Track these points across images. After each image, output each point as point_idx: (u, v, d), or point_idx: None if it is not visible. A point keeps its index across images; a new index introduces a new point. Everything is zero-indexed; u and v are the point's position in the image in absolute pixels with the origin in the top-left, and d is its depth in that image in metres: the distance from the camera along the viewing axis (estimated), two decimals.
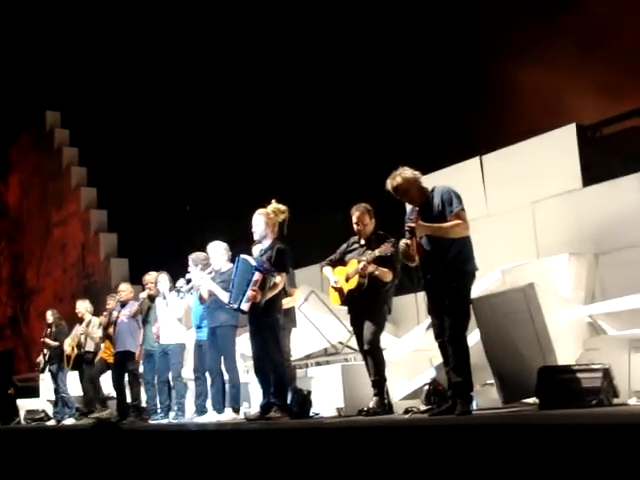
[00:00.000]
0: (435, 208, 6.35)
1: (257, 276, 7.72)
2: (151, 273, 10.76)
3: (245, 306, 7.79)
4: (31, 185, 24.02)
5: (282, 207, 8.07)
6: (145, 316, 10.66)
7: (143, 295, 10.82)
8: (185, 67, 16.11)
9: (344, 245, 7.87)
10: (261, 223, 7.97)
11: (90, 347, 12.32)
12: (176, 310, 10.08)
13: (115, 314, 11.29)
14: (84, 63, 19.00)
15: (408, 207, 6.80)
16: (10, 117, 22.18)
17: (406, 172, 6.49)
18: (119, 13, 16.53)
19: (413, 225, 6.26)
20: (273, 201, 8.08)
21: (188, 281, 9.43)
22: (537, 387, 6.13)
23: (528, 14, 10.76)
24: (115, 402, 11.60)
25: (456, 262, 6.25)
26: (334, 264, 7.81)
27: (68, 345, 12.61)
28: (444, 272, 6.23)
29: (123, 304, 11.32)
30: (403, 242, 6.40)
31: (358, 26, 12.90)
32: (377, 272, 7.36)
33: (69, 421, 12.80)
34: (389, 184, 6.50)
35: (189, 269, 9.41)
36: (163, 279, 10.33)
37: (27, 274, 24.23)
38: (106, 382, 12.18)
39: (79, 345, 12.42)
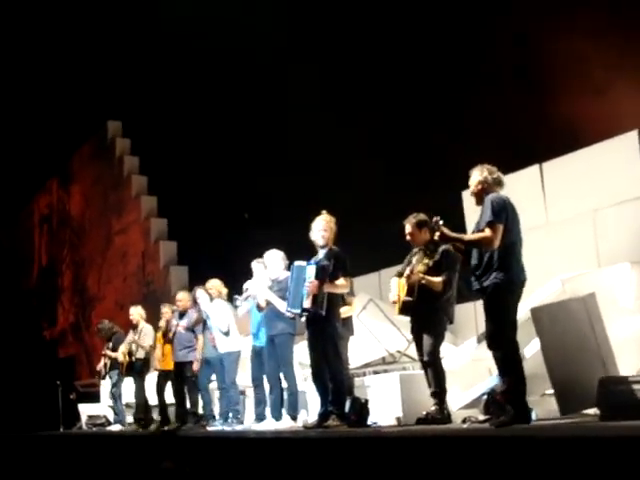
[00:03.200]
0: (481, 214, 6.35)
1: (310, 269, 7.77)
2: (213, 280, 10.82)
3: (306, 303, 7.80)
4: (93, 194, 24.39)
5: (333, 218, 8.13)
6: (204, 324, 10.72)
7: (201, 302, 10.84)
8: (245, 77, 16.21)
9: (408, 255, 7.88)
10: (328, 228, 8.01)
11: (140, 355, 12.45)
12: (220, 322, 10.17)
13: (174, 323, 11.36)
14: (145, 72, 19.23)
15: None
16: (72, 127, 22.56)
17: (478, 172, 6.52)
18: (182, 25, 16.69)
19: (438, 233, 6.27)
20: (323, 212, 8.11)
21: (245, 290, 9.49)
22: (597, 398, 6.04)
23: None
24: (174, 409, 11.71)
25: (495, 270, 6.19)
26: (401, 275, 7.76)
27: (121, 353, 12.76)
28: (483, 281, 6.20)
29: (181, 313, 11.39)
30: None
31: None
32: (424, 281, 7.37)
33: (115, 427, 13.02)
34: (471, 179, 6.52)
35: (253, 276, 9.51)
36: (201, 294, 10.44)
37: (88, 282, 24.58)
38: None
39: (130, 352, 12.55)
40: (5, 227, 28.12)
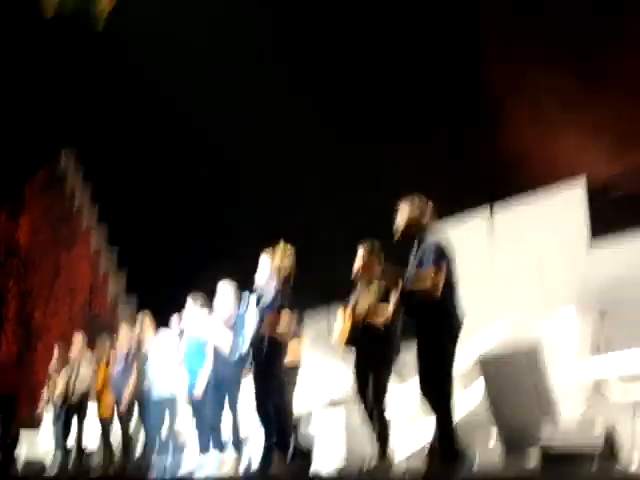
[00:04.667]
0: (419, 256, 6.31)
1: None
2: (146, 317, 10.64)
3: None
4: (42, 225, 24.09)
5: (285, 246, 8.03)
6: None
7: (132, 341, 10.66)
8: (200, 103, 16.16)
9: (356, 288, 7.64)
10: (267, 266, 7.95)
11: (74, 399, 12.03)
12: (172, 355, 10.00)
13: (113, 366, 11.13)
14: (100, 99, 19.13)
15: None
16: (24, 156, 22.29)
17: (414, 209, 6.49)
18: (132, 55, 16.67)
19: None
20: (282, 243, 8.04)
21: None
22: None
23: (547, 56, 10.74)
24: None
25: (437, 315, 6.19)
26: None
27: (58, 393, 12.42)
28: (425, 323, 6.21)
29: (121, 353, 11.10)
30: None
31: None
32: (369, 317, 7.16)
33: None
34: (398, 218, 6.48)
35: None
36: (148, 321, 10.30)
37: (35, 314, 24.21)
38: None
39: (65, 395, 12.18)
40: None
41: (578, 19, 10.53)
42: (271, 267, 7.94)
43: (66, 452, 12.37)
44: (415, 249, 6.45)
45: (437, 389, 6.09)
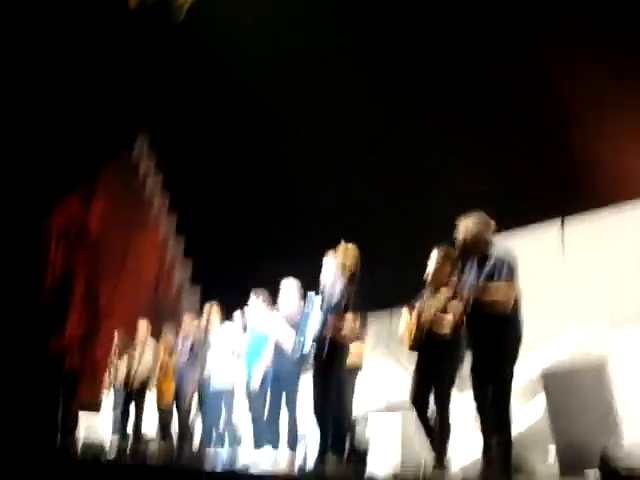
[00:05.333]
0: (488, 270, 6.24)
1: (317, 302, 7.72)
2: (214, 306, 10.63)
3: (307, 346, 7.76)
4: (113, 211, 24.44)
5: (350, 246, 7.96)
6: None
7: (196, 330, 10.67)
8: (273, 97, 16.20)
9: (424, 290, 7.57)
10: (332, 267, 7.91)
11: (135, 385, 12.17)
12: (235, 346, 9.94)
13: (179, 346, 11.19)
14: (176, 90, 19.31)
15: None
16: (97, 144, 22.61)
17: (479, 222, 6.42)
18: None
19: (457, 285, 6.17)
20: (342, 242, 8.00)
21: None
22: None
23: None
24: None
25: (500, 328, 6.17)
26: (413, 308, 7.52)
27: (120, 375, 12.57)
28: (488, 336, 6.12)
29: (185, 337, 11.18)
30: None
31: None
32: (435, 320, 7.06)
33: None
34: (461, 230, 6.42)
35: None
36: (216, 312, 10.23)
37: (100, 297, 24.56)
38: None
39: (127, 379, 12.30)
40: (22, 238, 28.15)
41: None
42: (336, 267, 7.89)
43: (124, 437, 12.48)
44: (475, 263, 6.38)
45: (498, 405, 6.03)
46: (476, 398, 6.26)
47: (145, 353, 12.15)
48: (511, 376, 6.07)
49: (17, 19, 16.29)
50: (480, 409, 6.23)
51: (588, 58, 10.57)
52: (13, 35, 17.39)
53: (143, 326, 12.48)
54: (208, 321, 10.48)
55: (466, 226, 6.45)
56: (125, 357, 12.63)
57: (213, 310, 10.42)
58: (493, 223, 6.47)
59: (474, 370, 6.30)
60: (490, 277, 6.22)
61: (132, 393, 12.24)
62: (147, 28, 17.44)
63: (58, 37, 18.14)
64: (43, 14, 16.35)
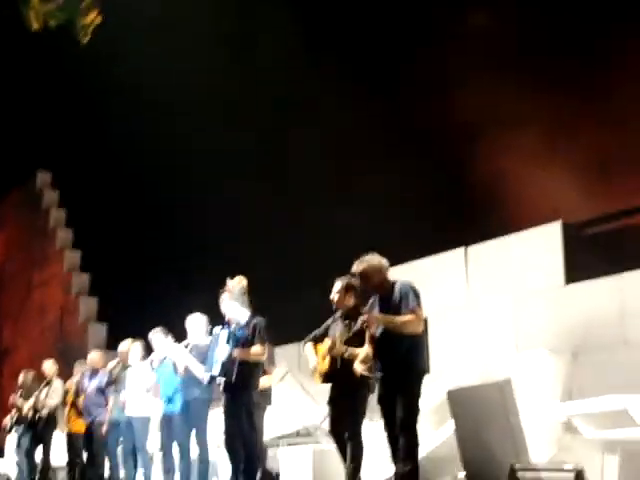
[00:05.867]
0: (394, 301, 6.36)
1: (222, 335, 7.82)
2: (125, 342, 10.62)
3: (214, 369, 7.80)
4: (15, 244, 23.95)
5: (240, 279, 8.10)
6: (115, 385, 10.47)
7: (112, 365, 10.64)
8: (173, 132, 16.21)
9: (330, 319, 7.62)
10: (228, 304, 8.00)
11: (44, 413, 11.97)
12: (146, 381, 9.90)
13: (86, 382, 11.11)
14: (75, 123, 19.11)
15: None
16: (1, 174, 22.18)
17: (374, 258, 6.52)
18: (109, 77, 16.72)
19: (367, 316, 6.27)
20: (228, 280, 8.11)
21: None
22: None
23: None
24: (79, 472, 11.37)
25: (407, 358, 6.25)
26: (318, 340, 7.57)
27: (27, 406, 12.36)
28: (395, 367, 6.23)
29: (93, 372, 11.13)
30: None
31: None
32: (346, 354, 7.13)
33: None
34: (355, 267, 6.54)
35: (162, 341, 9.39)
36: (136, 348, 10.19)
37: (4, 332, 23.97)
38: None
39: (35, 408, 12.17)
40: None
41: (555, 51, 10.76)
42: (231, 298, 8.00)
43: (32, 468, 12.30)
44: (377, 298, 6.50)
45: (411, 430, 6.14)
46: (385, 426, 6.34)
47: (54, 383, 12.04)
48: (417, 404, 6.18)
49: None
50: (390, 437, 6.31)
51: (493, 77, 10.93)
52: None
53: (49, 366, 12.35)
54: (125, 355, 10.43)
55: (358, 265, 6.56)
56: (31, 397, 12.42)
57: (134, 346, 10.35)
58: (385, 261, 6.59)
59: (382, 400, 6.38)
60: (397, 307, 6.33)
61: (38, 430, 12.04)
62: (47, 54, 17.22)
63: None
64: None
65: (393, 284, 6.49)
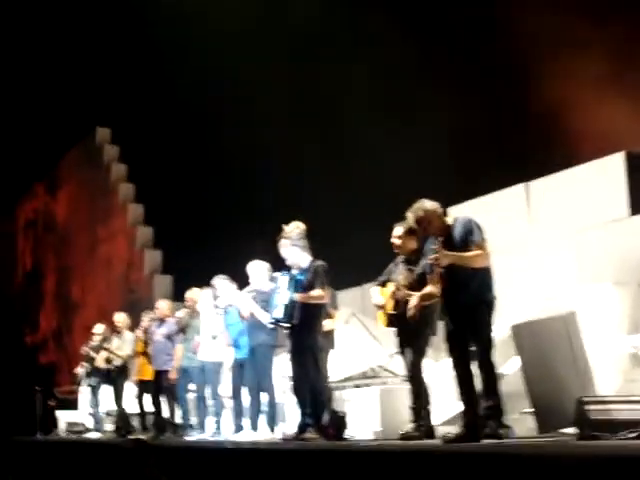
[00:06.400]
0: (456, 239, 6.32)
1: (282, 280, 7.95)
2: (192, 290, 10.76)
3: (276, 312, 7.92)
4: (79, 200, 24.32)
5: (297, 224, 8.13)
6: (183, 333, 10.66)
7: (180, 314, 10.81)
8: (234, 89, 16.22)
9: (391, 264, 7.67)
10: (289, 250, 8.03)
11: (117, 362, 12.34)
12: (213, 327, 10.03)
13: (154, 330, 11.30)
14: (135, 79, 19.22)
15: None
16: (60, 132, 22.48)
17: (426, 204, 6.48)
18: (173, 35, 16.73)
19: (437, 255, 6.23)
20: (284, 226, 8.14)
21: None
22: (575, 418, 6.02)
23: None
24: (153, 418, 11.64)
25: (478, 292, 6.23)
26: (383, 285, 7.62)
27: (101, 358, 12.68)
28: (466, 302, 6.21)
29: (161, 321, 11.35)
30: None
31: None
32: (408, 297, 7.16)
33: (93, 435, 12.95)
34: (410, 217, 6.50)
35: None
36: (206, 295, 10.29)
37: (72, 288, 24.48)
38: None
39: (108, 359, 12.47)
40: None
41: None
42: (290, 245, 8.03)
43: (106, 414, 12.76)
44: (437, 239, 6.45)
45: (490, 362, 6.14)
46: (456, 363, 6.33)
47: (124, 334, 12.30)
48: (491, 336, 6.16)
49: None
50: (460, 375, 6.30)
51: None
52: None
53: (121, 318, 12.59)
54: (191, 302, 10.58)
55: (414, 214, 6.52)
56: (103, 349, 12.72)
57: (204, 292, 10.48)
58: (437, 204, 6.54)
59: (453, 336, 6.34)
60: (462, 243, 6.29)
61: (113, 371, 12.45)
62: (102, 14, 17.34)
63: (21, 26, 17.99)
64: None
65: (452, 223, 6.45)
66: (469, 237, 6.30)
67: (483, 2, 11.98)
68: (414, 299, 6.96)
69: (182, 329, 10.70)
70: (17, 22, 18.12)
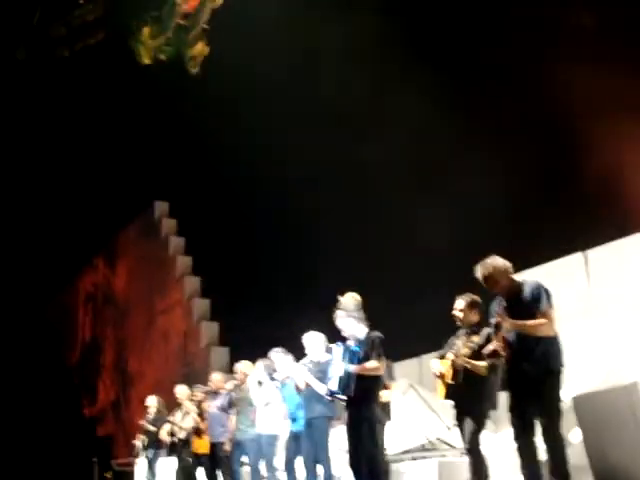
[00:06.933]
0: (524, 302, 6.24)
1: (337, 351, 7.86)
2: (242, 362, 10.76)
3: (331, 384, 7.81)
4: (137, 273, 24.63)
5: (352, 295, 8.10)
6: (235, 406, 10.62)
7: (229, 386, 10.80)
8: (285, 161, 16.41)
9: (453, 337, 7.60)
10: (345, 321, 8.01)
11: (182, 435, 12.22)
12: (267, 398, 9.99)
13: (209, 404, 11.28)
14: (192, 153, 19.57)
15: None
16: (119, 206, 22.92)
17: (497, 261, 6.42)
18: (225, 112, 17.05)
19: (499, 320, 6.16)
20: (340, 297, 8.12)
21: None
22: None
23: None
24: None
25: (543, 360, 6.11)
26: (442, 357, 7.54)
27: (165, 431, 12.66)
28: (531, 370, 6.10)
29: (215, 394, 11.32)
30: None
31: None
32: (469, 366, 7.12)
33: None
34: (479, 272, 6.44)
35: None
36: (258, 367, 10.28)
37: (130, 360, 24.64)
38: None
39: (172, 433, 12.44)
40: (50, 303, 28.43)
41: None
42: (346, 317, 8.01)
43: None
44: (503, 301, 6.39)
45: (557, 435, 6.01)
46: (518, 434, 6.20)
47: (186, 406, 12.26)
48: (560, 406, 6.03)
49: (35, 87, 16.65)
50: (522, 447, 6.16)
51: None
52: (34, 104, 17.72)
53: (182, 390, 12.60)
54: (243, 374, 10.58)
55: (482, 269, 6.47)
56: (165, 422, 12.72)
57: (258, 364, 10.49)
58: (508, 262, 6.49)
59: (517, 406, 6.22)
60: (528, 308, 6.21)
61: (176, 444, 12.36)
62: (160, 86, 17.73)
63: (75, 102, 18.45)
64: (60, 83, 16.73)
65: (521, 284, 6.38)
66: (536, 304, 6.22)
67: (530, 68, 11.98)
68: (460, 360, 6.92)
69: (232, 402, 10.68)
70: (82, 97, 18.59)
